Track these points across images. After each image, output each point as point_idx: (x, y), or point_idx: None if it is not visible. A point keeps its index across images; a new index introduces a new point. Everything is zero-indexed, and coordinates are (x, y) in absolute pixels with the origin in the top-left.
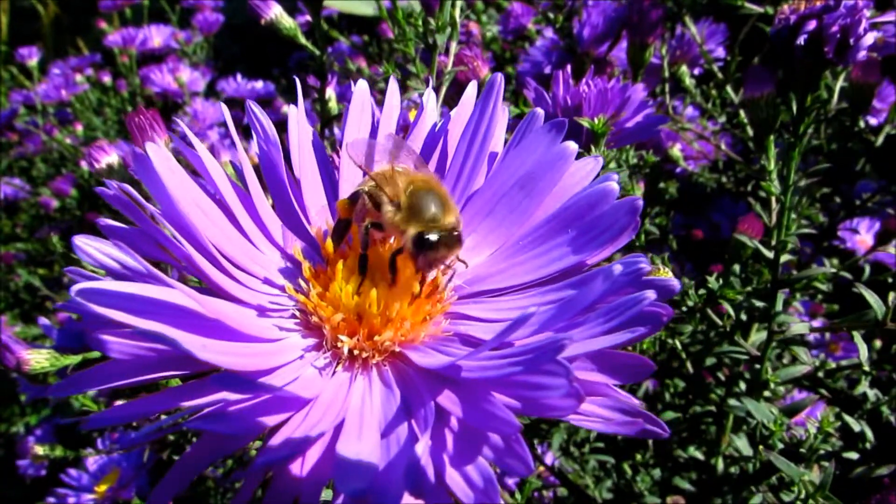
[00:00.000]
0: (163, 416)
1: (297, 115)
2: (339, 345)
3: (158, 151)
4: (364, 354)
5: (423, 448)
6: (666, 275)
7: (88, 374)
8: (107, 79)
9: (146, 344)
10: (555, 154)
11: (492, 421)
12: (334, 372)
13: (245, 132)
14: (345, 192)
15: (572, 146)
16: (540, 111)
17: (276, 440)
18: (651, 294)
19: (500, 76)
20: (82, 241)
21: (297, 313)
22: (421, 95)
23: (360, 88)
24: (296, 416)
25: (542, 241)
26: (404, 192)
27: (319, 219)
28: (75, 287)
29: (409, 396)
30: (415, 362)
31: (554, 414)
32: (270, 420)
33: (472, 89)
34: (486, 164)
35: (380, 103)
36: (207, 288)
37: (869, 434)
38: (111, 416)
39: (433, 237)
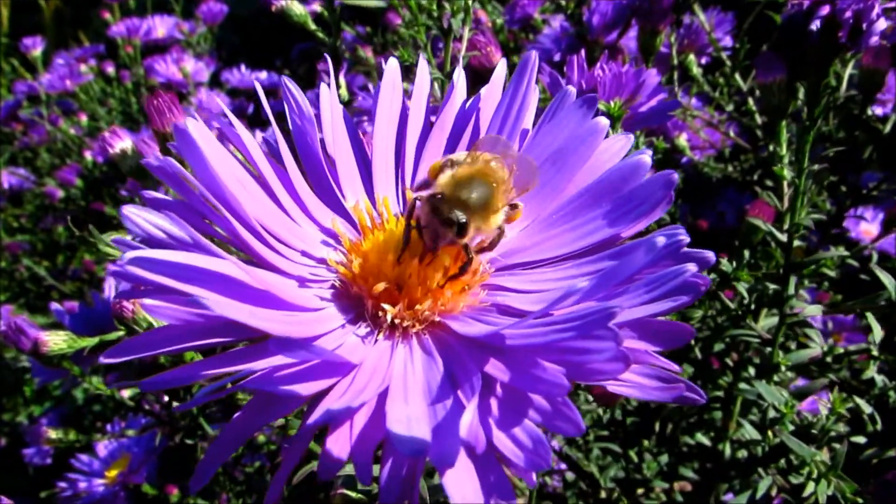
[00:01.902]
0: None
1: (328, 92)
2: (381, 314)
3: (198, 126)
4: (405, 323)
5: (471, 412)
6: None
7: (138, 340)
8: (110, 69)
9: (195, 310)
10: (586, 129)
11: (539, 384)
12: (376, 340)
13: (250, 122)
14: (378, 168)
15: (603, 121)
16: (572, 89)
17: (325, 402)
18: (692, 266)
19: (534, 53)
20: (130, 211)
21: (337, 283)
22: (434, 81)
23: (391, 67)
24: (343, 380)
25: (576, 214)
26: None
27: (354, 194)
28: (127, 255)
29: (452, 364)
30: (456, 331)
31: (600, 378)
32: (321, 384)
33: (501, 69)
34: (518, 140)
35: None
36: (249, 259)
37: (878, 417)
38: (170, 377)
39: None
